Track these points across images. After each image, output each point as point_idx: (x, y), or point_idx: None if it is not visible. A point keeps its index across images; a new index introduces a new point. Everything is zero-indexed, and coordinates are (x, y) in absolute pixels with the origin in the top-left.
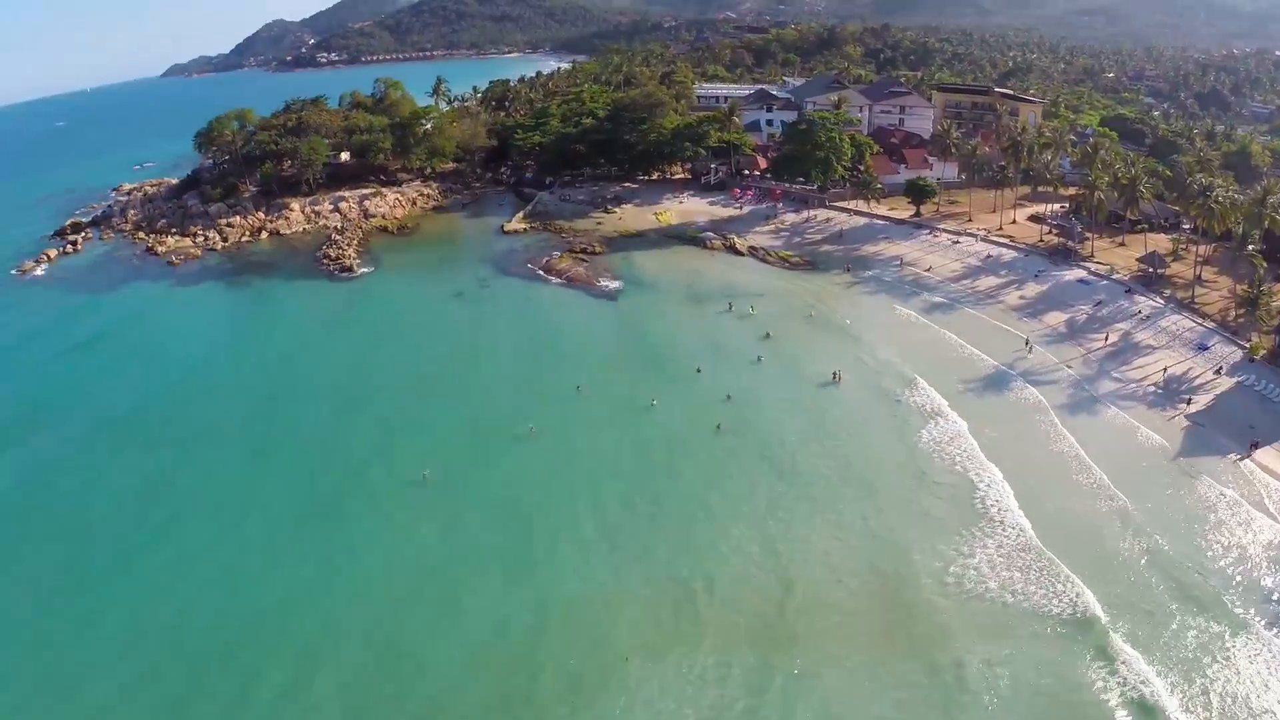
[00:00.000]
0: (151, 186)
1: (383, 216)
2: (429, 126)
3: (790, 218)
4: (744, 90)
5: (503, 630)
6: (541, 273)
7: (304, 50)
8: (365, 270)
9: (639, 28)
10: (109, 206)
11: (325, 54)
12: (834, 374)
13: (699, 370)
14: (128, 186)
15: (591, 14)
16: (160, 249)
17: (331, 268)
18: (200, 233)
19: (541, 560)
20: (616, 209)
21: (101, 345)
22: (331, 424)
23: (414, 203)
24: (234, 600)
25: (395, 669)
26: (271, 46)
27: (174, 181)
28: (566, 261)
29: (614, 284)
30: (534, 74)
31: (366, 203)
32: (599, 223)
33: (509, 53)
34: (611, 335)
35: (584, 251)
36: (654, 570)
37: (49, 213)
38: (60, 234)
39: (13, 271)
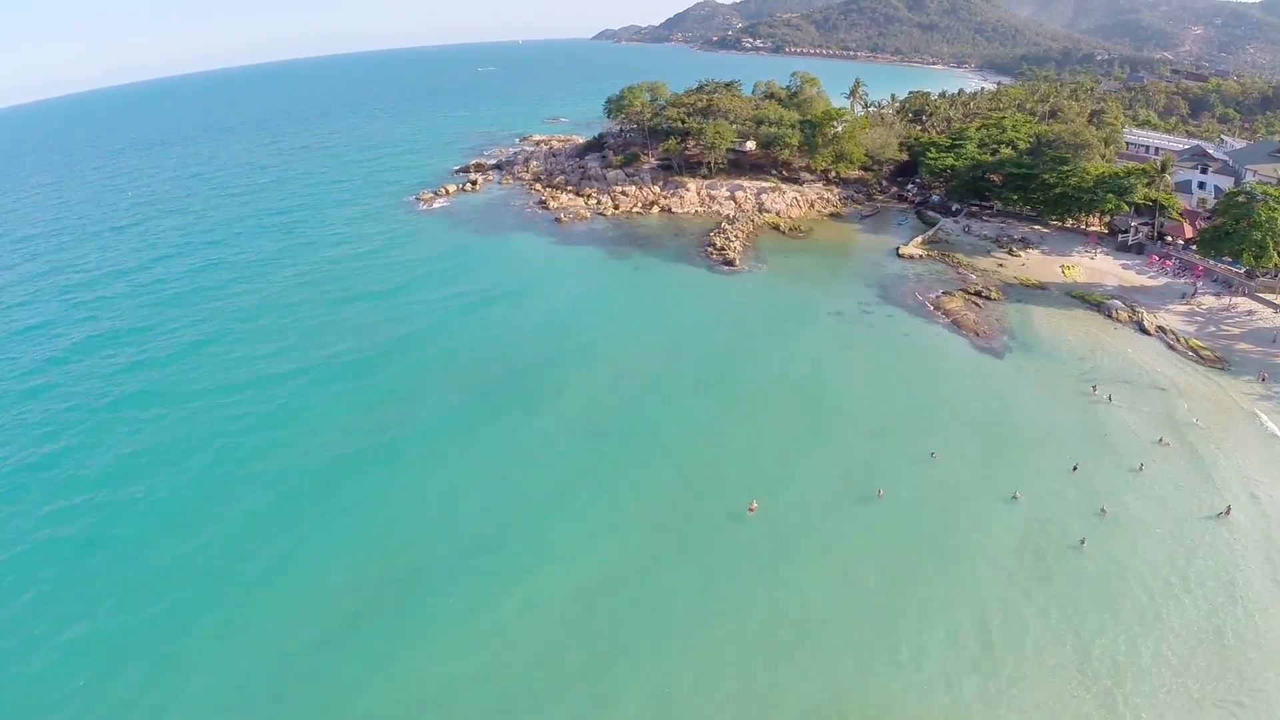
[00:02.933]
0: (558, 142)
1: (777, 214)
2: (840, 129)
3: (1209, 300)
4: (1176, 143)
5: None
6: (928, 308)
7: (730, 33)
8: (748, 267)
9: (1069, 56)
10: (514, 154)
11: (750, 39)
12: (1226, 507)
13: (1075, 468)
14: (536, 137)
15: (1022, 35)
16: (552, 204)
17: (714, 257)
18: (594, 195)
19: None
20: (1021, 252)
21: (480, 292)
22: (690, 426)
23: (811, 205)
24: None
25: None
26: (700, 25)
27: (580, 140)
28: (958, 302)
29: (1002, 339)
30: (955, 90)
31: (763, 196)
32: (1000, 264)
33: (933, 63)
34: (983, 399)
35: (978, 294)
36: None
37: (459, 149)
38: (464, 170)
39: (411, 199)
